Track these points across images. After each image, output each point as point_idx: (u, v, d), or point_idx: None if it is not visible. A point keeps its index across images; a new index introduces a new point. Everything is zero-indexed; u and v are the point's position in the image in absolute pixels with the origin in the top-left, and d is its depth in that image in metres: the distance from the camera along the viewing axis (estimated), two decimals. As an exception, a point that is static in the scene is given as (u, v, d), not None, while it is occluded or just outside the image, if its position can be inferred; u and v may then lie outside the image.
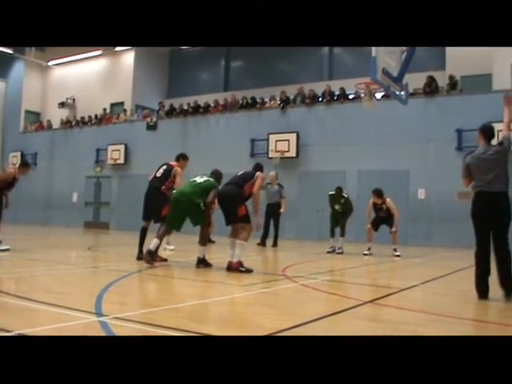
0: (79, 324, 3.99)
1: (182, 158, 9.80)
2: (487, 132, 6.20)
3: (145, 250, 8.72)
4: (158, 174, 9.36)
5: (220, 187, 8.63)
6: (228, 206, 8.17)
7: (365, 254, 12.38)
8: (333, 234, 13.17)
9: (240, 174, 8.60)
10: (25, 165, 11.28)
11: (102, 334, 3.68)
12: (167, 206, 8.70)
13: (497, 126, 6.86)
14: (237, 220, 8.12)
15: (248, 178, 8.36)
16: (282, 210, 14.60)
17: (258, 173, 8.43)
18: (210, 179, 8.67)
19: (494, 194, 5.89)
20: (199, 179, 8.62)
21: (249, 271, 7.87)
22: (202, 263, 8.50)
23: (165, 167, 9.45)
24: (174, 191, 8.93)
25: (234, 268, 7.92)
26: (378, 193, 12.38)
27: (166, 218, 8.67)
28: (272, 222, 14.66)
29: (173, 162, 9.58)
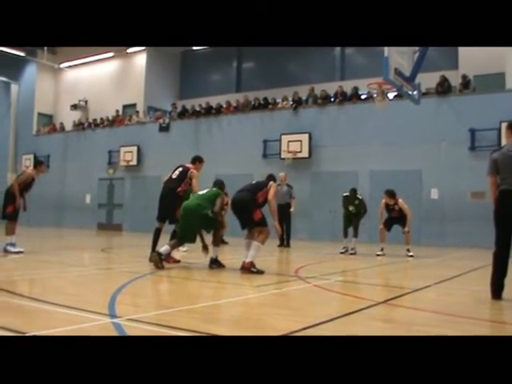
0: (93, 326, 4.00)
1: (198, 160, 9.83)
2: None
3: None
4: (174, 176, 9.39)
5: (232, 194, 8.76)
6: (241, 212, 8.36)
7: (378, 255, 12.35)
8: (346, 235, 13.14)
9: (254, 182, 8.89)
10: (40, 163, 11.36)
11: (116, 335, 3.69)
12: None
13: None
14: (253, 225, 8.28)
15: (261, 186, 8.57)
16: (292, 209, 14.68)
17: (271, 182, 8.63)
18: (214, 189, 8.83)
19: None
20: (201, 191, 8.78)
21: (260, 272, 7.88)
22: (215, 264, 8.55)
23: (181, 169, 9.47)
24: (189, 194, 9.03)
25: (246, 268, 7.94)
26: (391, 194, 12.35)
27: (178, 234, 8.73)
28: (284, 223, 14.65)
29: (189, 165, 9.60)
